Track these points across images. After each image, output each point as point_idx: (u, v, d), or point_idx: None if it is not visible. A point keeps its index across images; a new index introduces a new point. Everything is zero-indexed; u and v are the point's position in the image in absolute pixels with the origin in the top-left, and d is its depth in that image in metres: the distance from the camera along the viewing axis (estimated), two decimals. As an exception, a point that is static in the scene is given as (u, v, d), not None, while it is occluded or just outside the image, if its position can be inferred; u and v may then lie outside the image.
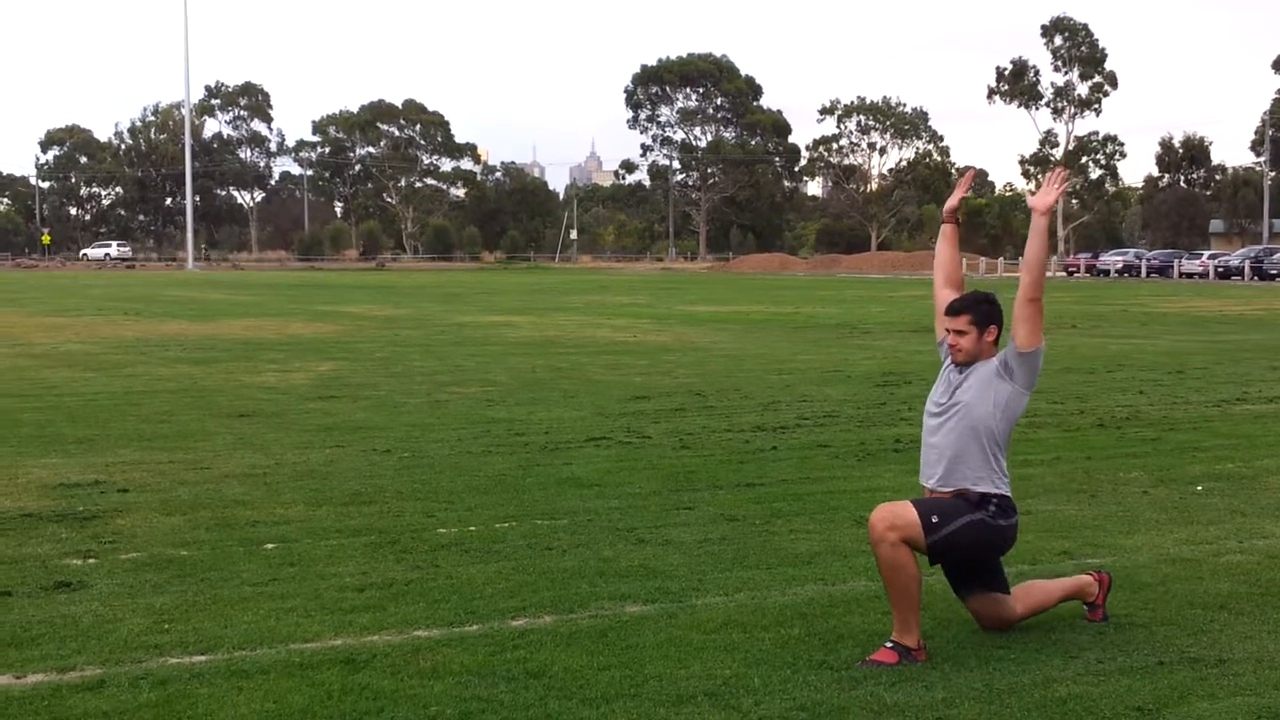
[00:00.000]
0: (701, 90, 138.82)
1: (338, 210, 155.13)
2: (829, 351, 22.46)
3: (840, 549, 7.74)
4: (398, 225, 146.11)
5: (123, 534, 8.08)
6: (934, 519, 5.69)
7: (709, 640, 5.92)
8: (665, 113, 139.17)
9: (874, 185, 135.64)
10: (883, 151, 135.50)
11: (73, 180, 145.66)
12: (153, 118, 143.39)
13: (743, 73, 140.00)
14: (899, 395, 15.63)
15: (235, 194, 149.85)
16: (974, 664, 5.61)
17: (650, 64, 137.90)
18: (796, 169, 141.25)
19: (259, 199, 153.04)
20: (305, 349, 22.56)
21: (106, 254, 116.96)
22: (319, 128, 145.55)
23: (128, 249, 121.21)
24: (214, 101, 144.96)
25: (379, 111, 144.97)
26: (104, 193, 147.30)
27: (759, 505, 9.01)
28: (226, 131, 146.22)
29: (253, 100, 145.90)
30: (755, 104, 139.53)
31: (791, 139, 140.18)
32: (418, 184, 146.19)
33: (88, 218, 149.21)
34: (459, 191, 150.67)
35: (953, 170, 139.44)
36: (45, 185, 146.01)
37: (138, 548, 7.71)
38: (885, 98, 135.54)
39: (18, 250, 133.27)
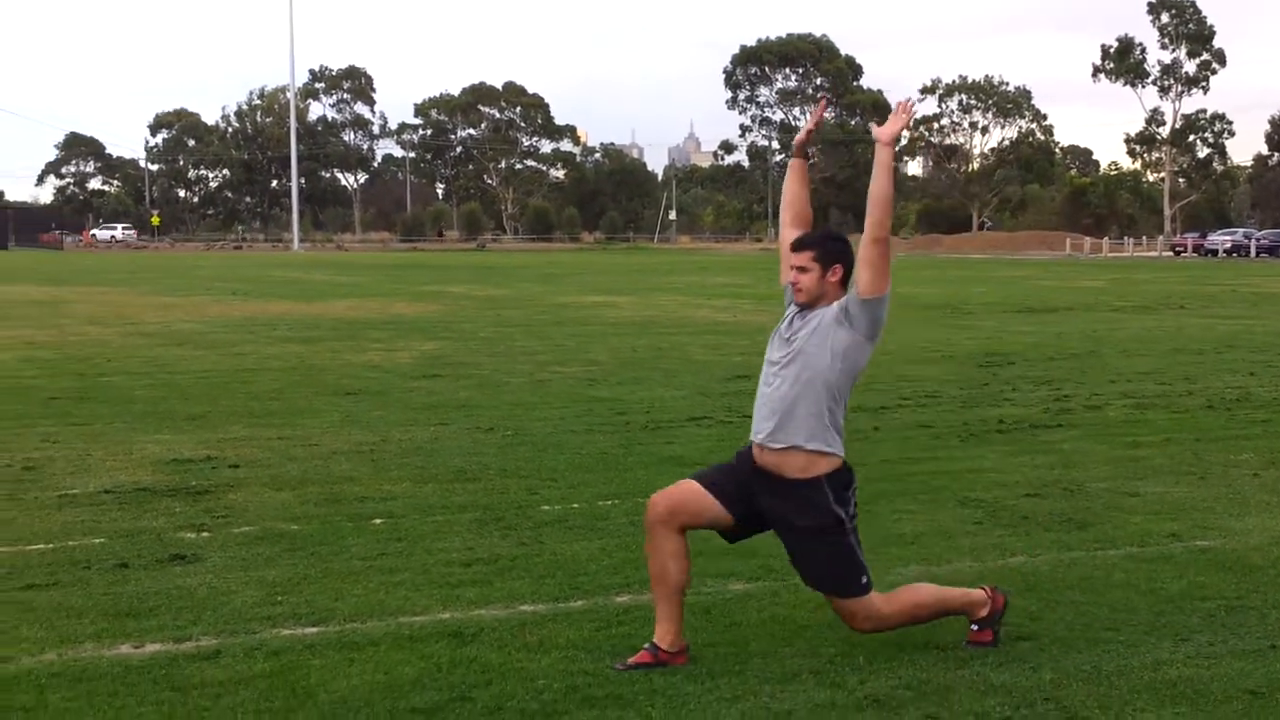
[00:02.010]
0: (801, 70, 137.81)
1: (439, 192, 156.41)
2: (930, 331, 22.29)
3: (944, 529, 7.71)
4: (498, 206, 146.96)
5: (235, 508, 8.24)
6: (863, 579, 5.33)
7: (813, 618, 5.92)
8: (764, 93, 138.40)
9: (975, 165, 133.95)
10: (984, 131, 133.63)
11: (181, 163, 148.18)
12: (258, 101, 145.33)
13: (842, 52, 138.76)
14: (1002, 375, 15.47)
15: (339, 176, 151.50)
16: (1082, 646, 5.56)
17: (750, 44, 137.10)
18: (897, 149, 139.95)
19: (362, 181, 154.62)
20: (409, 328, 22.80)
21: (113, 235, 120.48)
22: (421, 110, 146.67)
23: (132, 232, 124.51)
24: (318, 85, 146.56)
25: (480, 94, 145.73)
26: (211, 175, 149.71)
27: (861, 486, 8.95)
28: (330, 114, 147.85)
29: (356, 83, 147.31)
30: (855, 84, 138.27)
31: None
32: (518, 165, 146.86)
33: (196, 200, 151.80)
34: (558, 173, 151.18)
35: (1056, 149, 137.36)
36: (154, 168, 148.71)
37: (249, 522, 7.87)
38: (988, 76, 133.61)
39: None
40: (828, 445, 5.33)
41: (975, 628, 5.58)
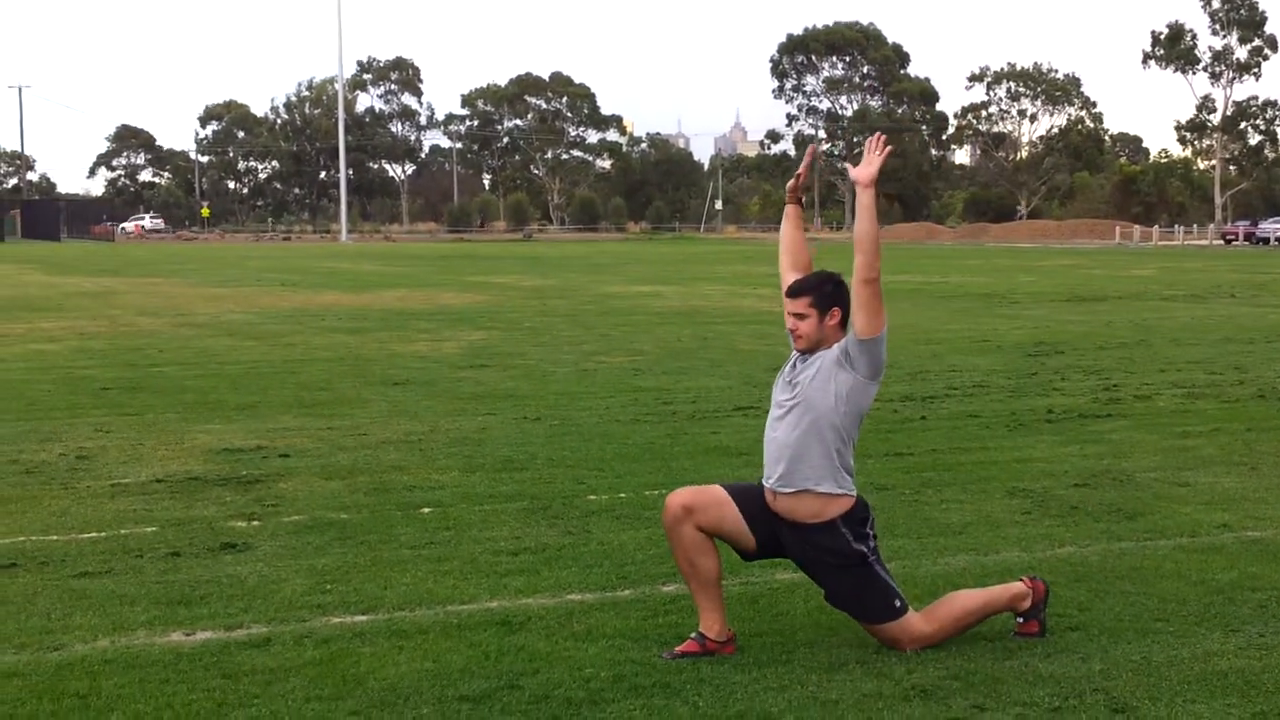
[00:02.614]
0: (848, 59, 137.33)
1: (486, 182, 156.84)
2: (977, 321, 22.17)
3: (992, 519, 7.68)
4: (544, 197, 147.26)
5: (284, 497, 8.31)
6: (896, 604, 5.31)
7: (860, 608, 5.91)
8: (811, 82, 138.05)
9: (1024, 153, 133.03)
10: (1033, 119, 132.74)
11: (230, 155, 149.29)
12: (307, 93, 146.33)
13: (890, 40, 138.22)
14: (1050, 365, 15.38)
15: (387, 167, 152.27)
16: (1131, 636, 5.53)
17: (796, 33, 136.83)
18: (944, 137, 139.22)
19: (410, 172, 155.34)
20: (456, 319, 22.89)
21: (140, 225, 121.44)
22: (468, 101, 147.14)
23: (160, 221, 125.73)
24: (366, 76, 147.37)
25: (526, 84, 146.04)
26: (260, 166, 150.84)
27: (908, 475, 8.96)
28: (378, 106, 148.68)
29: (403, 75, 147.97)
30: (902, 72, 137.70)
31: (939, 107, 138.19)
32: (564, 156, 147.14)
33: (245, 191, 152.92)
34: (605, 163, 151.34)
35: (1106, 137, 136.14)
36: (204, 160, 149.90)
37: (299, 511, 7.93)
38: (1036, 63, 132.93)
39: (178, 223, 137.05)
40: (839, 486, 5.34)
41: (1021, 620, 5.56)
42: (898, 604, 5.35)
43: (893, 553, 6.87)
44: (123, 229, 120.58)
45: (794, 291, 5.47)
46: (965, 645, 5.41)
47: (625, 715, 4.71)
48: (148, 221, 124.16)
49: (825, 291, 5.42)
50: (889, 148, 5.47)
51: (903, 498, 8.24)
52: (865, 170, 5.38)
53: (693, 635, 5.38)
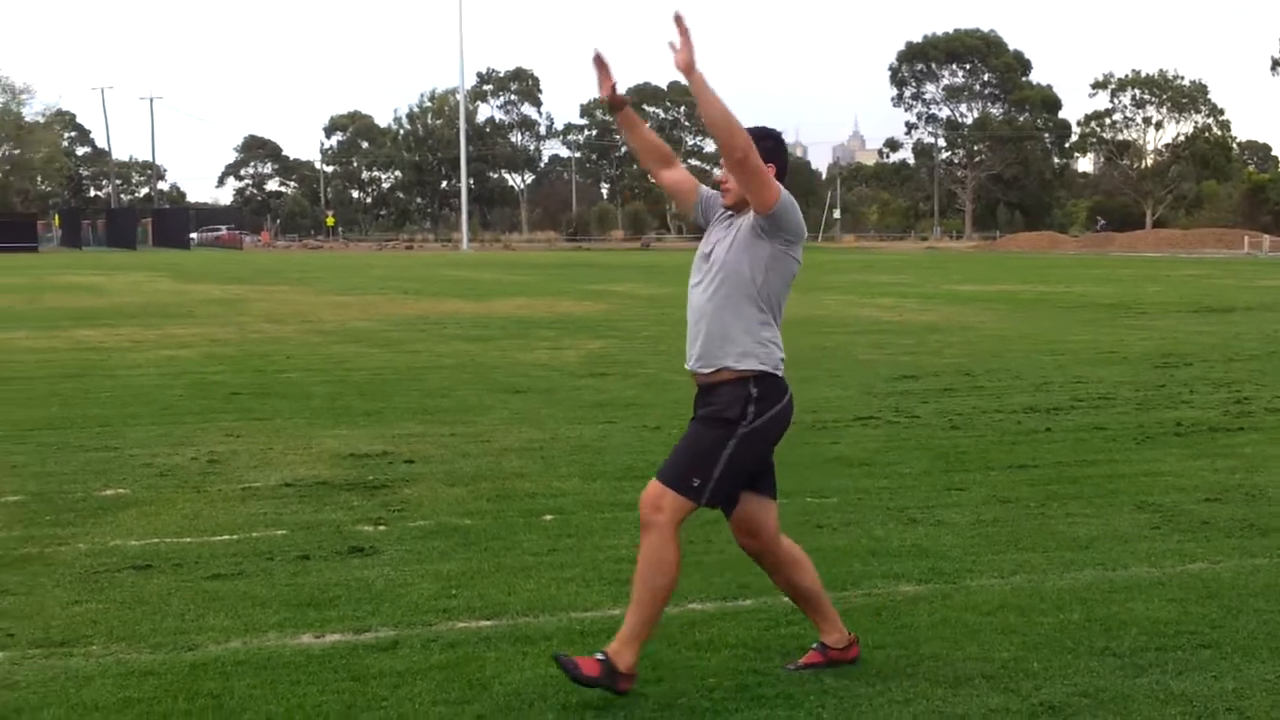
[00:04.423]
0: (968, 66, 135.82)
1: (604, 192, 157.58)
2: (1103, 332, 21.81)
3: (1120, 534, 7.55)
4: (662, 206, 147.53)
5: (410, 503, 8.43)
6: (695, 482, 5.06)
7: (985, 622, 5.86)
8: (931, 90, 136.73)
9: (1149, 161, 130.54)
10: (1159, 126, 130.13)
11: (354, 165, 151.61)
12: (429, 104, 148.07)
13: (1011, 47, 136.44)
14: (1179, 377, 15.09)
15: (506, 177, 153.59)
16: (1266, 655, 5.41)
17: (916, 41, 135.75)
18: (1067, 145, 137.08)
19: (529, 181, 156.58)
20: (575, 327, 23.02)
21: (216, 237, 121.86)
22: (586, 111, 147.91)
23: (236, 231, 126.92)
24: (486, 87, 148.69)
25: (644, 94, 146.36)
26: (384, 176, 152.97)
27: (1033, 488, 8.85)
28: (498, 116, 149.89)
29: (523, 85, 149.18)
30: (1024, 79, 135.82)
31: (1062, 114, 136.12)
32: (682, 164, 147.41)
33: (369, 200, 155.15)
34: (720, 172, 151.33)
35: (1233, 145, 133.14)
36: (329, 169, 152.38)
37: (425, 516, 8.04)
38: (1161, 70, 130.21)
39: (304, 232, 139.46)
40: (761, 363, 5.15)
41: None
42: (697, 484, 5.10)
43: (1018, 566, 6.80)
44: (227, 238, 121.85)
45: None
46: (1094, 660, 5.34)
47: (749, 725, 4.71)
48: (224, 231, 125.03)
49: (764, 147, 5.21)
50: (685, 30, 5.10)
51: (1028, 510, 8.14)
52: (680, 58, 5.11)
53: (814, 646, 5.36)
